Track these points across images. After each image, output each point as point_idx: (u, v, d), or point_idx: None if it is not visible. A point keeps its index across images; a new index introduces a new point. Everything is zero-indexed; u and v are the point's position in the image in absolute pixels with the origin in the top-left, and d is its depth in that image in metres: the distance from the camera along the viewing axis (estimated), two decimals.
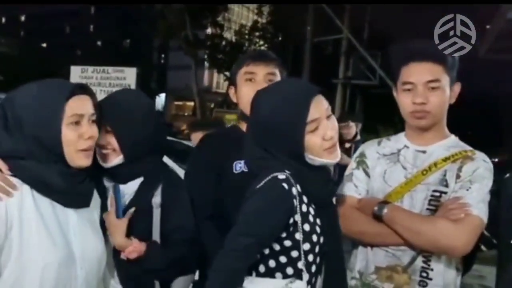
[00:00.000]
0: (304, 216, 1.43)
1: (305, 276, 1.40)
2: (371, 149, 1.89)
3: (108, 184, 1.70)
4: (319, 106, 1.45)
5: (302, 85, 1.57)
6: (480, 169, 1.70)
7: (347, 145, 4.91)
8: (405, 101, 1.75)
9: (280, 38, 18.31)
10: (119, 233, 1.60)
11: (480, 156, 1.74)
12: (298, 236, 1.41)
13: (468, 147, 1.79)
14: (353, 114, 5.14)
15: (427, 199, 1.71)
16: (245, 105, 1.85)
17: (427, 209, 1.71)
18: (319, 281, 1.49)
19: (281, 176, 1.42)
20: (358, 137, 5.11)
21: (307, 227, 1.43)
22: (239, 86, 1.95)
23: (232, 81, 2.01)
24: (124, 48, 43.29)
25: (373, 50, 15.31)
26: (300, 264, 1.41)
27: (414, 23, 12.86)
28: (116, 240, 1.60)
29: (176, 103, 40.70)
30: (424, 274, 1.69)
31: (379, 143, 1.91)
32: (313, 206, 1.47)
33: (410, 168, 1.77)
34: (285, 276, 1.42)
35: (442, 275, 1.69)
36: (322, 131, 1.44)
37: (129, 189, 1.69)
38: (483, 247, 1.88)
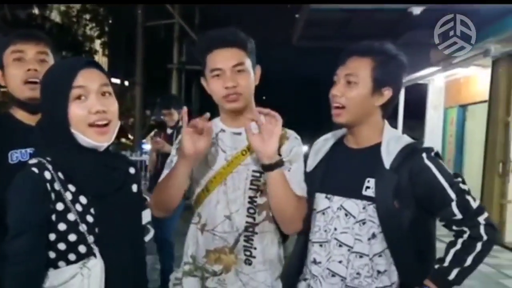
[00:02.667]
0: (68, 205, 1.34)
1: (99, 258, 1.34)
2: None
3: None
4: (90, 77, 1.39)
5: (76, 58, 1.55)
6: (296, 147, 1.79)
7: (169, 131, 4.96)
8: (216, 87, 1.75)
9: (110, 21, 17.56)
10: None
11: (292, 134, 1.83)
12: (62, 226, 1.33)
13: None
14: (175, 101, 5.18)
15: (249, 179, 1.77)
16: (14, 88, 1.75)
17: (250, 188, 1.77)
18: None
19: (33, 161, 1.35)
20: (180, 124, 5.18)
21: (72, 216, 1.34)
22: (7, 67, 1.81)
23: None
24: None
25: None
26: (82, 248, 1.34)
27: (245, 9, 13.41)
28: None
29: None
30: (248, 253, 1.76)
31: None
32: (87, 195, 1.38)
33: (229, 150, 1.81)
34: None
35: (263, 252, 1.77)
36: (90, 103, 1.37)
37: None
38: None
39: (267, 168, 1.68)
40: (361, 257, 1.66)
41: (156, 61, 17.49)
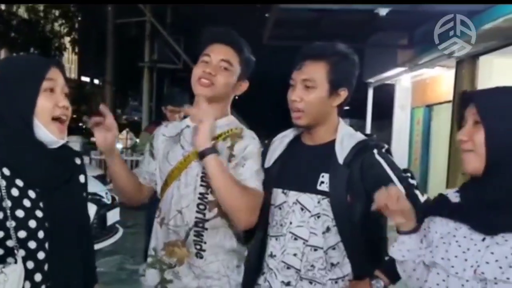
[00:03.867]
0: (16, 201, 1.32)
1: (20, 264, 1.28)
2: (159, 132, 1.98)
3: None
4: (59, 74, 1.44)
5: (42, 56, 1.59)
6: (250, 146, 1.82)
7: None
8: (197, 70, 1.83)
9: (80, 18, 17.26)
10: None
11: (249, 134, 1.87)
12: (9, 223, 1.29)
13: (240, 125, 1.91)
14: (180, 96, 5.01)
15: (199, 176, 1.80)
16: None
17: (201, 185, 1.80)
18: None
19: None
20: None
21: (20, 213, 1.32)
22: None
23: None
24: None
25: (176, 35, 15.49)
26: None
27: (217, 8, 13.39)
28: None
29: None
30: (198, 247, 1.80)
31: (166, 125, 2.01)
32: (35, 189, 1.37)
33: (187, 146, 1.85)
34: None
35: (215, 246, 1.81)
36: (58, 97, 1.42)
37: None
38: None
39: (200, 156, 1.73)
40: (315, 250, 1.71)
41: (127, 60, 17.31)
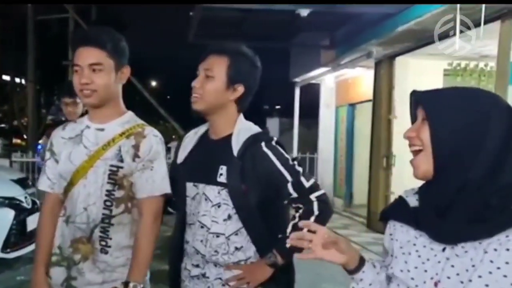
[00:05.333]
0: None
1: None
2: (57, 136, 2.00)
3: None
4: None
5: None
6: (154, 145, 1.89)
7: None
8: (75, 82, 1.87)
9: None
10: None
11: (150, 131, 1.92)
12: None
13: (140, 121, 1.95)
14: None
15: (106, 174, 1.86)
16: None
17: (108, 182, 1.86)
18: None
19: None
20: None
21: None
22: None
23: None
24: None
25: None
26: None
27: (142, 7, 13.13)
28: None
29: None
30: (104, 243, 1.86)
31: (63, 127, 2.02)
32: None
33: (91, 146, 1.89)
34: None
35: (120, 242, 1.88)
36: None
37: None
38: None
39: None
40: (217, 236, 1.85)
41: (51, 58, 16.63)
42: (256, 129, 1.90)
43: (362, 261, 1.32)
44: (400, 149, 7.58)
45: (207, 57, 1.87)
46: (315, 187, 1.83)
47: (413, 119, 1.27)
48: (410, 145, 1.23)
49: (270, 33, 8.09)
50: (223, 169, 1.83)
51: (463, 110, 1.15)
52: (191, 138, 1.99)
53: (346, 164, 10.39)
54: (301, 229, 1.71)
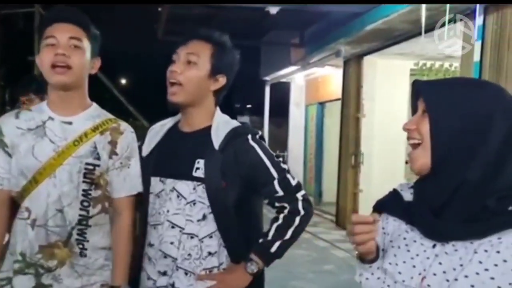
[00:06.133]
0: None
1: None
2: (9, 124, 1.75)
3: None
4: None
5: None
6: (132, 142, 1.79)
7: None
8: (47, 56, 1.66)
9: None
10: None
11: (127, 127, 1.81)
12: None
13: (110, 115, 1.83)
14: (36, 84, 4.48)
15: (82, 172, 1.71)
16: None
17: (83, 181, 1.72)
18: None
19: None
20: None
21: None
22: None
23: None
24: None
25: None
26: None
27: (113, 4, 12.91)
28: None
29: None
30: (81, 246, 1.72)
31: (17, 116, 1.77)
32: None
33: (59, 141, 1.72)
34: None
35: (98, 243, 1.75)
36: None
37: None
38: None
39: None
40: (192, 238, 1.70)
41: (15, 52, 16.20)
42: (235, 122, 1.80)
43: (377, 257, 1.25)
44: (368, 147, 7.71)
45: (188, 41, 1.74)
46: (300, 186, 1.75)
47: (414, 110, 1.21)
48: (408, 138, 1.17)
49: (240, 31, 8.06)
50: (200, 163, 1.70)
51: (465, 104, 1.10)
52: (157, 131, 1.86)
53: (316, 162, 10.48)
54: (286, 231, 1.69)
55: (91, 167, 1.72)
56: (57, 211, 1.70)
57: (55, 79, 1.68)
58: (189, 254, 1.70)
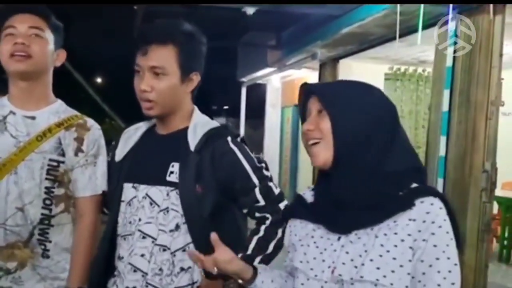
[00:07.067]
0: None
1: None
2: None
3: None
4: None
5: None
6: (99, 139, 1.75)
7: None
8: (6, 46, 1.66)
9: None
10: None
11: (94, 124, 1.78)
12: None
13: (76, 112, 1.80)
14: None
15: (45, 169, 1.67)
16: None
17: (46, 178, 1.67)
18: None
19: None
20: None
21: None
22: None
23: None
24: None
25: None
26: None
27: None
28: None
29: None
30: (43, 246, 1.68)
31: None
32: None
33: (21, 136, 1.68)
34: None
35: (61, 244, 1.72)
36: None
37: None
38: None
39: None
40: (164, 250, 1.57)
41: None
42: (214, 123, 1.68)
43: (256, 273, 1.35)
44: None
45: (146, 49, 1.57)
46: (283, 195, 1.64)
47: (302, 111, 1.32)
48: (307, 140, 1.26)
49: (216, 30, 8.03)
50: (174, 167, 1.58)
51: (359, 99, 1.22)
52: (131, 134, 1.74)
53: (291, 165, 10.50)
54: (267, 244, 1.61)
55: (55, 163, 1.68)
56: (17, 209, 1.65)
57: (13, 67, 1.66)
58: (160, 269, 1.56)
